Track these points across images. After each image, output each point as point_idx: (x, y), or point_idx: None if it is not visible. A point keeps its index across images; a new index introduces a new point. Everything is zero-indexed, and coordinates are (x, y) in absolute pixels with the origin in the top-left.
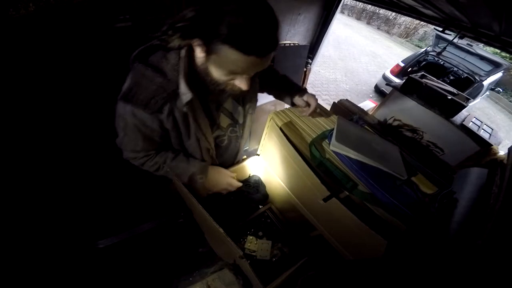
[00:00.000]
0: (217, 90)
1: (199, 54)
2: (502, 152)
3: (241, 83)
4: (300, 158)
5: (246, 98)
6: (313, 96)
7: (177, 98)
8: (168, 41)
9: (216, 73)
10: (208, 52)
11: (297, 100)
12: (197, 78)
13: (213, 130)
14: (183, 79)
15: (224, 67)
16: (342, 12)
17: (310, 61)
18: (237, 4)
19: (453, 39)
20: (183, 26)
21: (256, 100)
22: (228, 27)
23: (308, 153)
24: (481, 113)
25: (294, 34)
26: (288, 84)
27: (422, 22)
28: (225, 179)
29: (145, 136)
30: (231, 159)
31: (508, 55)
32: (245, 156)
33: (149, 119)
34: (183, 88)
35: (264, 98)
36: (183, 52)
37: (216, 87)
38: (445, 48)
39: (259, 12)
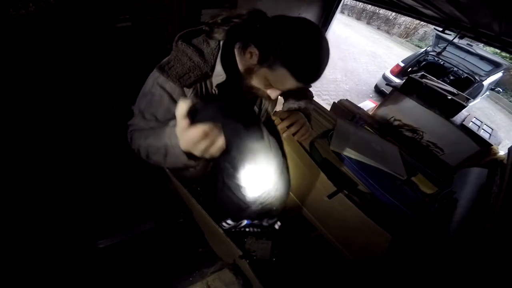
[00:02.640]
0: (244, 89)
1: (249, 57)
2: (502, 152)
3: (272, 93)
4: (306, 154)
5: (264, 102)
6: (298, 117)
7: (209, 80)
8: (213, 30)
9: (258, 80)
10: (262, 62)
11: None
12: (230, 70)
13: None
14: (220, 62)
15: (271, 80)
16: (342, 12)
17: None
18: (299, 33)
19: (453, 39)
20: (236, 25)
21: (274, 104)
22: (292, 56)
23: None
24: (481, 113)
25: None
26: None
27: (422, 22)
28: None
29: (164, 108)
30: None
31: (508, 55)
32: None
33: (177, 92)
34: (219, 69)
35: None
36: (222, 43)
37: (246, 88)
38: (445, 48)
39: (320, 49)
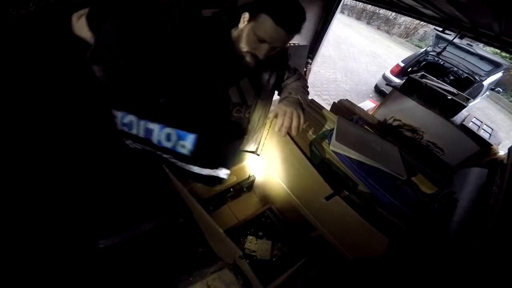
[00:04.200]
0: (238, 57)
1: (241, 24)
2: (502, 152)
3: (260, 51)
4: (303, 156)
5: (258, 83)
6: (284, 109)
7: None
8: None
9: (247, 38)
10: (250, 20)
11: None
12: (229, 45)
13: None
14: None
15: (256, 31)
16: (342, 12)
17: (310, 61)
18: None
19: (453, 39)
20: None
21: (269, 91)
22: (272, 3)
23: (308, 153)
24: (481, 113)
25: None
26: (287, 87)
27: (422, 22)
28: None
29: None
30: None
31: (508, 55)
32: (252, 147)
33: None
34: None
35: None
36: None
37: (240, 53)
38: (445, 48)
39: (297, 4)
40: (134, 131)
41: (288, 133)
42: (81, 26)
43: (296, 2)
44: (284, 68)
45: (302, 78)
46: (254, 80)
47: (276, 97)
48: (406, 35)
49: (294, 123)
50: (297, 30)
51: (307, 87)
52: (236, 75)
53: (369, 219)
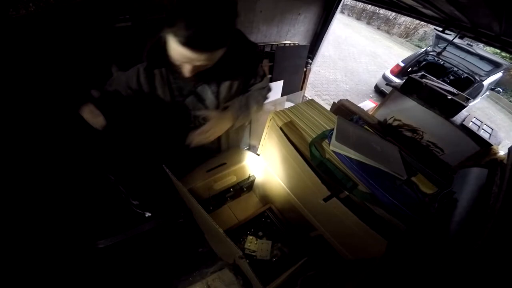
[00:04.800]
0: (177, 70)
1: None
2: (502, 152)
3: (184, 68)
4: (300, 158)
5: (221, 90)
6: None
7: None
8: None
9: (172, 58)
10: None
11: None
12: (165, 58)
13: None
14: (145, 53)
15: (170, 52)
16: (342, 12)
17: (310, 61)
18: (195, 4)
19: (453, 39)
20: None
21: (234, 95)
22: (177, 21)
23: (308, 153)
24: (481, 113)
25: (294, 34)
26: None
27: (422, 22)
28: None
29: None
30: (211, 146)
31: (508, 55)
32: (247, 148)
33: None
34: (144, 59)
35: None
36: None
37: (175, 67)
38: (445, 48)
39: (205, 15)
40: None
41: (286, 134)
42: (90, 117)
43: (209, 11)
44: (251, 74)
45: (267, 88)
46: (214, 87)
47: (275, 97)
48: (406, 35)
49: (204, 138)
50: (207, 48)
51: (267, 91)
52: (189, 85)
53: (368, 220)
